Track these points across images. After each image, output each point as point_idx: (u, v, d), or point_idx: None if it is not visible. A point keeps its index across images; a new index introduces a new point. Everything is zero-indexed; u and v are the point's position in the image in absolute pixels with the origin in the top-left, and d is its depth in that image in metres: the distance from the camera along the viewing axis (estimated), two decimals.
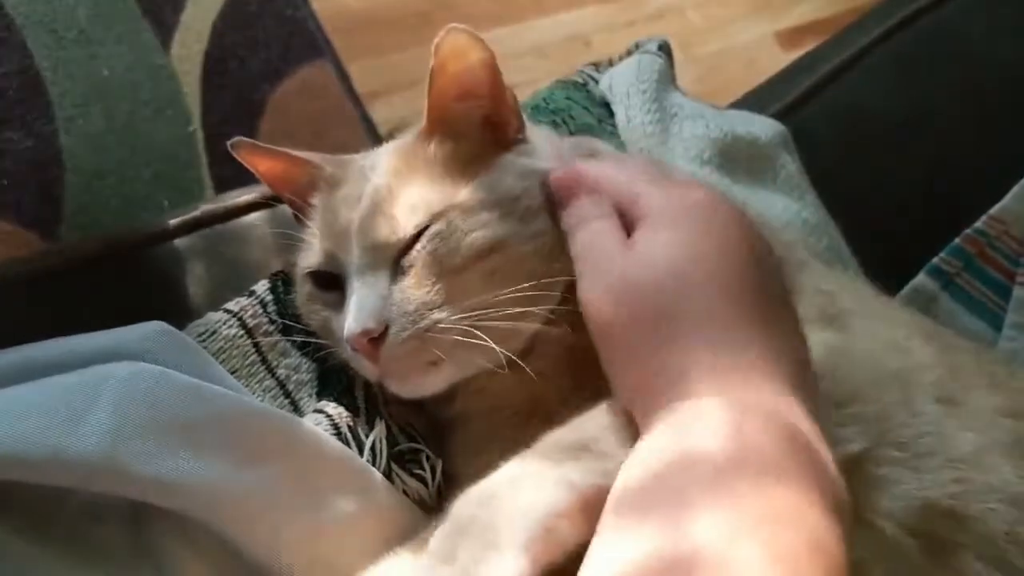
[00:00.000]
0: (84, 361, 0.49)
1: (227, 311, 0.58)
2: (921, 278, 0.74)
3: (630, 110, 0.73)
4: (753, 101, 0.83)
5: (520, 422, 0.55)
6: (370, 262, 0.53)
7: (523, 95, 0.65)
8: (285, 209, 0.64)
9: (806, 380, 0.44)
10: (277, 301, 0.59)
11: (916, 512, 0.47)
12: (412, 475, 0.54)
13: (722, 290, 0.45)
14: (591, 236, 0.50)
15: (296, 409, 0.56)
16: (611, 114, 0.74)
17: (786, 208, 0.72)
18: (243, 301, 0.58)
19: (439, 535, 0.43)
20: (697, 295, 0.45)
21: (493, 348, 0.50)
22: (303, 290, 0.57)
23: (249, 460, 0.48)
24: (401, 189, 0.54)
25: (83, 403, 0.46)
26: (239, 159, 0.60)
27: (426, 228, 0.52)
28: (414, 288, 0.51)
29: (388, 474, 0.53)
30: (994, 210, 0.75)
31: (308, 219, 0.59)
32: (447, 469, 0.56)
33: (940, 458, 0.49)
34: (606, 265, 0.48)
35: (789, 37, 1.75)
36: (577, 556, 0.40)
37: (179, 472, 0.46)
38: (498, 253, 0.52)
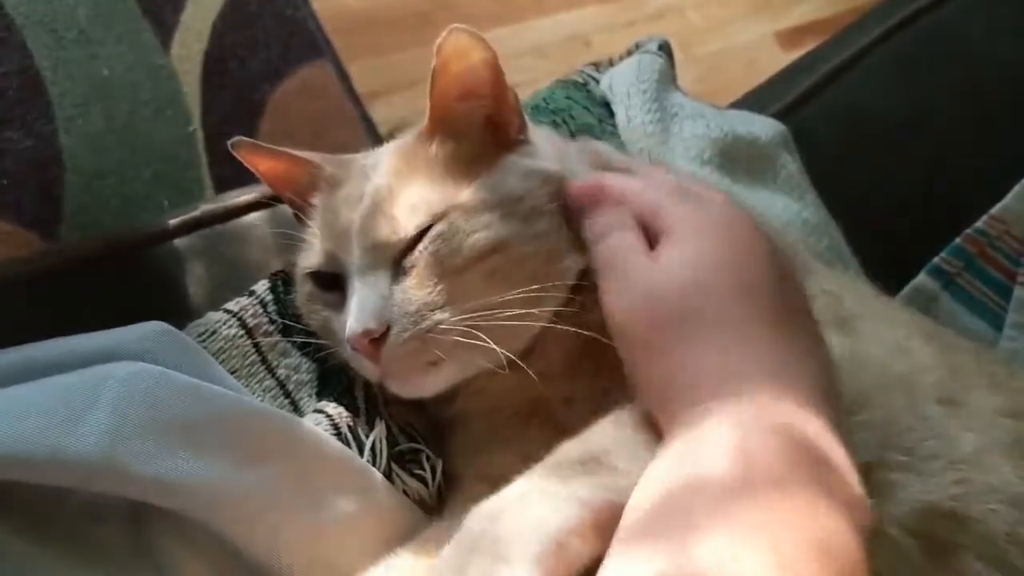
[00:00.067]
0: (84, 361, 0.49)
1: (227, 311, 0.58)
2: (922, 278, 0.74)
3: (630, 110, 0.73)
4: (753, 101, 0.83)
5: (520, 422, 0.55)
6: (371, 262, 0.53)
7: (523, 95, 0.65)
8: (285, 209, 0.64)
9: (827, 386, 0.45)
10: (277, 301, 0.59)
11: (918, 515, 0.47)
12: (412, 475, 0.54)
13: (744, 298, 0.46)
14: (615, 246, 0.51)
15: (296, 409, 0.56)
16: (611, 114, 0.74)
17: (786, 208, 0.72)
18: (243, 301, 0.58)
19: (450, 548, 0.43)
20: (718, 302, 0.46)
21: (494, 349, 0.50)
22: (303, 290, 0.57)
23: (249, 460, 0.48)
24: (402, 189, 0.54)
25: (83, 403, 0.46)
26: (240, 159, 0.60)
27: (428, 229, 0.52)
28: (416, 289, 0.51)
29: (388, 474, 0.53)
30: (995, 210, 0.75)
31: (309, 219, 0.59)
32: (447, 468, 0.56)
33: (943, 460, 0.49)
34: (630, 275, 0.49)
35: (789, 37, 1.75)
36: (588, 573, 0.41)
37: (179, 472, 0.46)
38: (500, 254, 0.52)
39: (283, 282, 0.60)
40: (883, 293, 0.64)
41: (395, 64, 1.45)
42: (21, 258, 0.67)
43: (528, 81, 0.90)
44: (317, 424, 0.53)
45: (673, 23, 1.71)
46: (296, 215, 0.61)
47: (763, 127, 0.76)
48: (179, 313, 0.58)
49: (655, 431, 0.46)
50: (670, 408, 0.44)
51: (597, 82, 0.77)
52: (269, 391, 0.56)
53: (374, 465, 0.53)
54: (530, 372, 0.51)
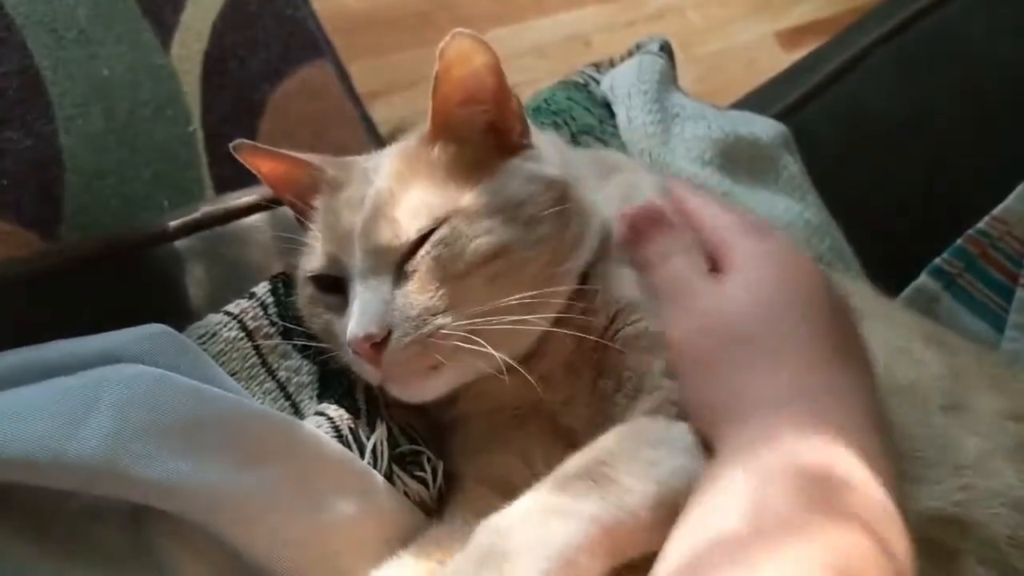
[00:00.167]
0: (84, 363, 0.49)
1: (227, 313, 0.57)
2: (923, 278, 0.74)
3: (631, 111, 0.72)
4: (755, 101, 0.84)
5: (520, 424, 0.55)
6: (373, 266, 0.53)
7: (523, 95, 0.65)
8: (286, 211, 0.64)
9: (874, 409, 0.46)
10: (278, 303, 0.59)
11: (921, 521, 0.47)
12: (413, 477, 0.54)
13: (803, 328, 0.48)
14: (680, 267, 0.52)
15: (297, 411, 0.56)
16: (612, 115, 0.74)
17: (788, 209, 0.72)
18: (243, 303, 0.58)
19: (458, 561, 0.43)
20: (779, 330, 0.48)
21: (494, 354, 0.50)
22: (305, 293, 0.57)
23: (249, 462, 0.48)
24: (404, 193, 0.54)
25: (83, 406, 0.46)
26: (241, 161, 0.60)
27: (429, 233, 0.52)
28: (417, 293, 0.51)
29: (389, 476, 0.53)
30: (997, 211, 0.75)
31: (310, 222, 0.58)
32: (448, 468, 0.56)
33: (947, 466, 0.49)
34: (691, 298, 0.50)
35: (789, 37, 1.75)
36: None
37: (179, 475, 0.46)
38: (502, 259, 0.52)
39: (284, 284, 0.60)
40: (883, 294, 0.64)
41: (395, 64, 1.45)
42: (21, 258, 0.67)
43: (528, 81, 0.90)
44: (318, 426, 0.53)
45: (673, 23, 1.71)
46: (297, 218, 0.61)
47: (764, 128, 0.76)
48: (179, 315, 0.58)
49: (663, 447, 0.46)
50: (720, 430, 0.46)
51: (598, 83, 0.77)
52: (269, 393, 0.56)
53: (375, 467, 0.53)
54: (530, 377, 0.50)
